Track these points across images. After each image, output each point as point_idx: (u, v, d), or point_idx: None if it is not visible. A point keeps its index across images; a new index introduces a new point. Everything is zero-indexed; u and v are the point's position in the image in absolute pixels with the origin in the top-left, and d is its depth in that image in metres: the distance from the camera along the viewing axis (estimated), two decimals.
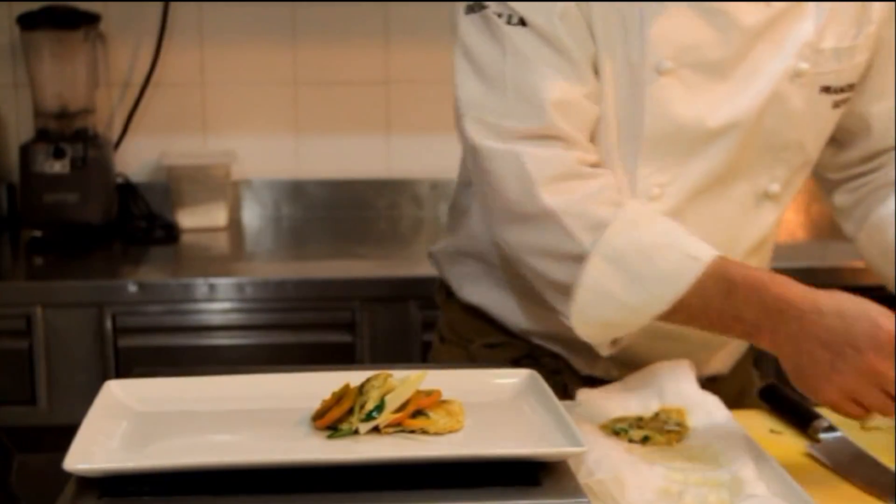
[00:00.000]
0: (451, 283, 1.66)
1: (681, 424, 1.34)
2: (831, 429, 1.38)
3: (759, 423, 1.43)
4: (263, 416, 1.16)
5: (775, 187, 1.49)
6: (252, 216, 2.90)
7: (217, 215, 2.79)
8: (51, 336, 2.34)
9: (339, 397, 1.14)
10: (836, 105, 1.48)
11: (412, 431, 1.12)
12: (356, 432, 1.10)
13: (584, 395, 1.44)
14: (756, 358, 1.73)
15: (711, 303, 1.31)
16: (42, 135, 2.69)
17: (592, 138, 1.42)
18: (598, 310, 1.36)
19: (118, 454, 1.06)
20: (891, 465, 1.30)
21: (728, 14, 1.39)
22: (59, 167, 2.62)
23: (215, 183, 2.79)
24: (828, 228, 3.01)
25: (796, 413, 1.43)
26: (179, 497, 1.00)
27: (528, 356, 1.58)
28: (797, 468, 1.27)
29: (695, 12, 1.39)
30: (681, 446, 1.30)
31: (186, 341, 2.36)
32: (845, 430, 1.38)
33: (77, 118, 2.71)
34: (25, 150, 2.66)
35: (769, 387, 1.52)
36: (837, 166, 1.60)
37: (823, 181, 1.63)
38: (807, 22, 1.43)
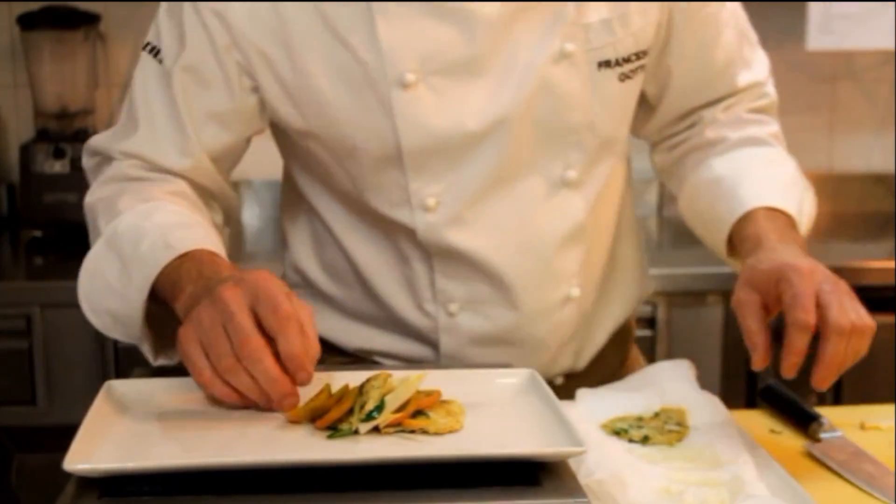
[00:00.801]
0: None
1: (681, 424, 1.34)
2: (831, 429, 1.38)
3: (759, 423, 1.43)
4: (263, 416, 1.15)
5: (572, 174, 1.41)
6: (252, 216, 2.90)
7: (216, 215, 2.79)
8: (51, 336, 2.34)
9: (339, 397, 1.14)
10: (625, 77, 1.41)
11: (412, 431, 1.12)
12: (356, 432, 1.10)
13: (584, 395, 1.44)
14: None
15: (167, 277, 1.24)
16: (42, 135, 2.70)
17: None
18: (98, 297, 1.32)
19: (118, 454, 1.06)
20: (891, 465, 1.30)
21: (465, 10, 1.31)
22: (59, 167, 2.62)
23: None
24: (828, 228, 3.02)
25: (796, 413, 1.43)
26: (179, 497, 1.00)
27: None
28: (797, 468, 1.27)
29: (429, 16, 1.32)
30: (681, 446, 1.30)
31: None
32: (845, 430, 1.38)
33: (77, 118, 2.71)
34: (25, 150, 2.66)
35: (769, 387, 1.52)
36: (653, 129, 1.57)
37: (647, 142, 1.61)
38: (567, 3, 1.36)
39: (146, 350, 1.31)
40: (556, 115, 1.38)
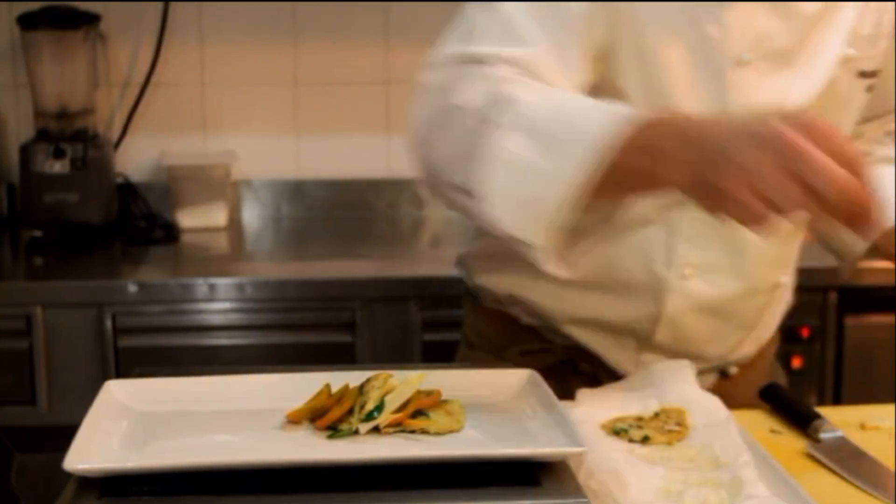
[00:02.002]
0: (483, 284, 1.65)
1: (681, 424, 1.34)
2: (831, 429, 1.38)
3: (759, 423, 1.43)
4: (263, 416, 1.16)
5: None
6: (252, 216, 2.91)
7: (217, 215, 2.79)
8: (51, 336, 2.34)
9: (339, 397, 1.14)
10: (868, 89, 1.54)
11: (412, 431, 1.12)
12: (356, 432, 1.10)
13: (584, 395, 1.44)
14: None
15: (629, 145, 1.15)
16: (42, 135, 2.69)
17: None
18: (513, 184, 1.20)
19: (118, 454, 1.06)
20: (891, 465, 1.30)
21: (790, 3, 1.44)
22: (59, 167, 2.62)
23: (215, 183, 2.79)
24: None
25: (796, 413, 1.43)
26: (179, 497, 1.00)
27: (563, 362, 1.59)
28: (797, 468, 1.27)
29: (763, 6, 1.43)
30: (681, 446, 1.30)
31: (186, 341, 2.36)
32: (845, 430, 1.38)
33: (77, 118, 2.71)
34: (25, 150, 2.66)
35: (769, 387, 1.52)
36: None
37: None
38: (849, 8, 1.48)
39: (546, 249, 1.21)
40: (827, 112, 1.46)
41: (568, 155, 1.16)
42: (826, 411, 1.42)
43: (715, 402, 1.40)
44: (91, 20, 2.72)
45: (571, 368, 1.59)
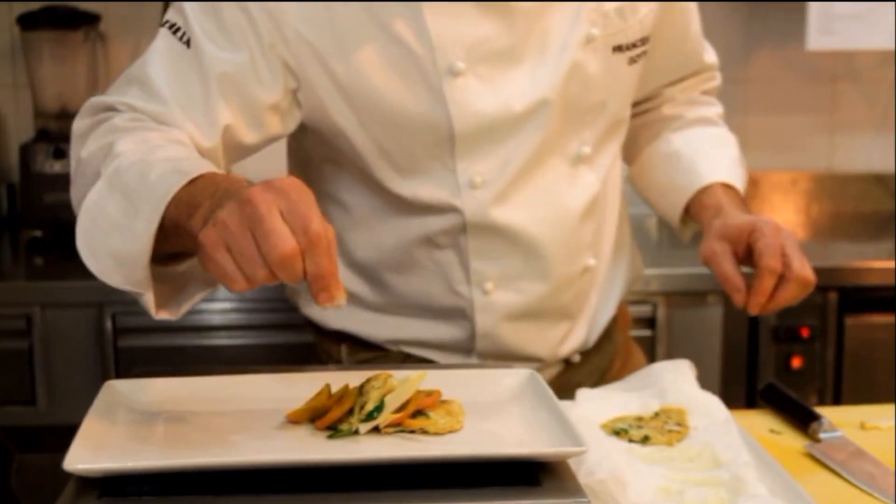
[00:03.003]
0: (314, 316, 1.64)
1: (681, 424, 1.34)
2: (831, 429, 1.38)
3: (759, 423, 1.43)
4: (263, 416, 1.16)
5: (586, 150, 1.51)
6: None
7: None
8: (51, 336, 2.34)
9: (339, 397, 1.14)
10: (632, 61, 1.52)
11: (412, 431, 1.12)
12: (356, 432, 1.10)
13: (584, 395, 1.44)
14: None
15: (179, 202, 1.15)
16: (42, 135, 2.69)
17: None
18: (100, 238, 1.23)
19: (118, 454, 1.06)
20: (891, 465, 1.30)
21: (507, 3, 1.40)
22: (59, 167, 2.62)
23: None
24: (828, 228, 3.02)
25: (796, 413, 1.43)
26: (179, 497, 1.00)
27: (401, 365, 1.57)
28: (797, 468, 1.27)
29: (472, 9, 1.40)
30: (681, 446, 1.30)
31: (186, 341, 2.36)
32: (845, 430, 1.38)
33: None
34: (25, 150, 2.66)
35: (769, 387, 1.52)
36: None
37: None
38: None
39: (147, 300, 1.23)
40: (581, 96, 1.48)
41: (140, 211, 1.18)
42: (826, 411, 1.42)
43: (715, 402, 1.40)
44: (91, 20, 2.72)
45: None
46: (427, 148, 1.45)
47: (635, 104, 1.66)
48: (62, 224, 2.63)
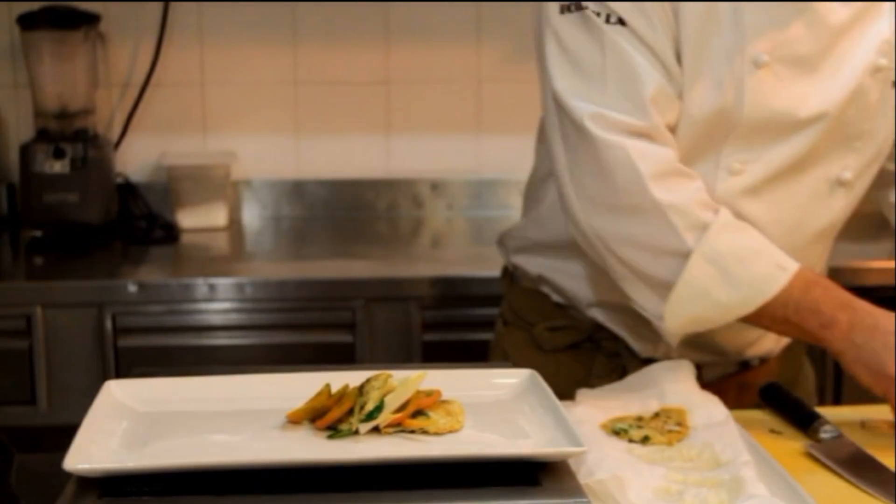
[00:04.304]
0: (519, 264, 1.73)
1: (681, 424, 1.34)
2: (831, 429, 1.38)
3: (759, 423, 1.43)
4: (263, 416, 1.16)
5: (847, 175, 1.55)
6: (252, 216, 2.90)
7: (217, 215, 2.79)
8: (51, 336, 2.34)
9: (339, 397, 1.14)
10: None
11: (412, 431, 1.12)
12: (356, 432, 1.10)
13: (584, 395, 1.44)
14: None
15: (790, 301, 1.41)
16: (42, 135, 2.69)
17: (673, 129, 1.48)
18: (692, 306, 1.44)
19: (118, 454, 1.06)
20: (891, 465, 1.30)
21: (817, 11, 1.46)
22: (59, 167, 2.62)
23: (215, 183, 2.79)
24: None
25: (796, 413, 1.43)
26: (179, 497, 1.00)
27: (588, 339, 1.66)
28: (797, 468, 1.27)
29: (787, 9, 1.46)
30: (681, 446, 1.30)
31: (186, 341, 2.36)
32: (845, 430, 1.38)
33: (77, 118, 2.71)
34: (25, 150, 2.66)
35: (769, 387, 1.52)
36: None
37: (884, 174, 1.72)
38: (884, 20, 1.51)
39: (675, 336, 1.48)
40: (857, 121, 1.52)
41: (739, 293, 1.42)
42: (826, 411, 1.42)
43: (715, 402, 1.40)
44: (91, 20, 2.72)
45: (596, 345, 1.65)
46: (708, 128, 1.48)
47: None
48: (62, 224, 2.63)
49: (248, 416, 1.16)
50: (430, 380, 1.16)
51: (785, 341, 1.68)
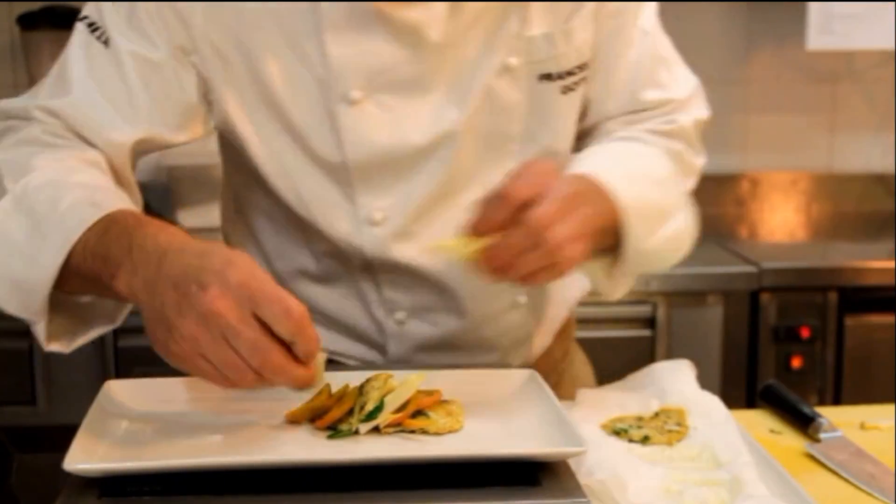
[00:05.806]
0: None
1: (681, 424, 1.34)
2: (831, 429, 1.38)
3: (759, 423, 1.43)
4: (263, 416, 1.16)
5: None
6: None
7: (217, 215, 2.78)
8: None
9: (339, 397, 1.14)
10: (567, 90, 1.41)
11: (412, 431, 1.12)
12: (356, 432, 1.10)
13: (584, 395, 1.44)
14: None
15: (88, 245, 1.14)
16: None
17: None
18: (3, 261, 1.19)
19: (118, 454, 1.06)
20: (891, 465, 1.30)
21: (412, 31, 1.32)
22: None
23: (215, 183, 2.78)
24: (828, 228, 3.02)
25: (796, 413, 1.43)
26: (179, 497, 1.00)
27: None
28: (797, 468, 1.27)
29: (377, 34, 1.32)
30: (681, 446, 1.30)
31: None
32: (845, 430, 1.38)
33: None
34: None
35: (769, 387, 1.52)
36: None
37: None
38: (513, 17, 1.36)
39: (39, 331, 1.21)
40: (499, 126, 1.39)
41: (47, 240, 1.16)
42: (826, 411, 1.42)
43: (715, 402, 1.40)
44: None
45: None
46: (325, 176, 1.38)
47: (579, 138, 1.50)
48: None
49: (248, 416, 1.16)
50: (431, 380, 1.16)
51: (536, 354, 1.54)
